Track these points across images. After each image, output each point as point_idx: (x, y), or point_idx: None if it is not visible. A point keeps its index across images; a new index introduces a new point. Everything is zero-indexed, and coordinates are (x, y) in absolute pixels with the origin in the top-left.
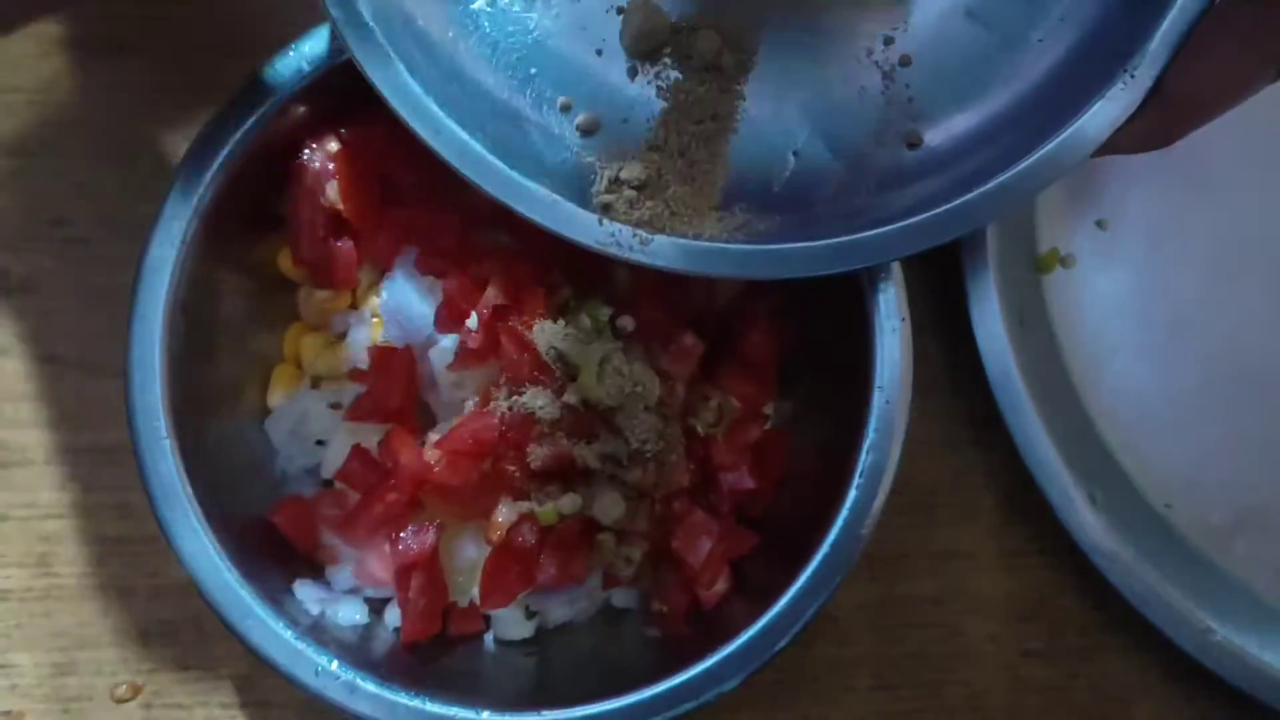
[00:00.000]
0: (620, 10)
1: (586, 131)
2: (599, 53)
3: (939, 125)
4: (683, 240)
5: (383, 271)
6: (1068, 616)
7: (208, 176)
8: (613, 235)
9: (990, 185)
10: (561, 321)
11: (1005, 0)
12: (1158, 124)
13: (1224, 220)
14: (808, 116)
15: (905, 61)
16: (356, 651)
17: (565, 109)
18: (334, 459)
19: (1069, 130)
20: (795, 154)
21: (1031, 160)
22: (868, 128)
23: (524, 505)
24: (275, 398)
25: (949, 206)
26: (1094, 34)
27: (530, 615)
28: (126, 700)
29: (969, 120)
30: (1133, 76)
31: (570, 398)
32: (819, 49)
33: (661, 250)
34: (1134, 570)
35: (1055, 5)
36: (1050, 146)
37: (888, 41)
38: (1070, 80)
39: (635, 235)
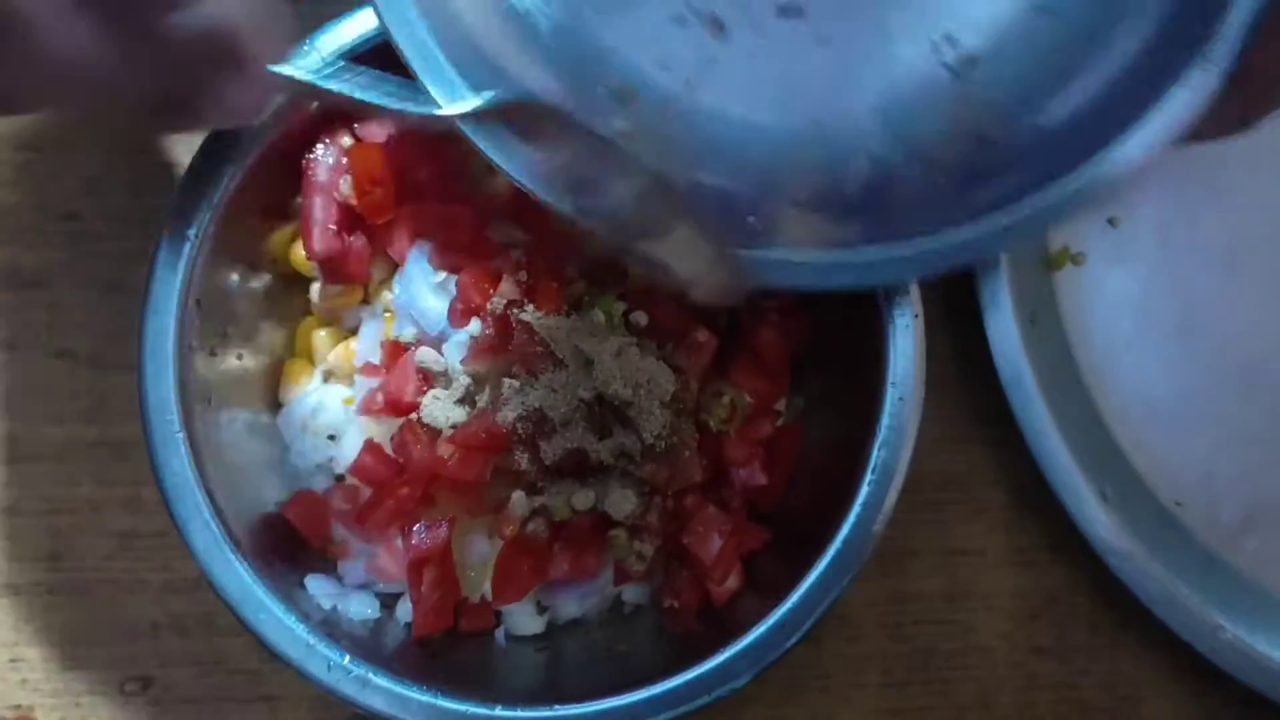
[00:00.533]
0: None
1: None
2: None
3: (1014, 121)
4: (760, 252)
5: (395, 266)
6: (1078, 614)
7: (221, 171)
8: None
9: (1074, 178)
10: (575, 316)
11: None
12: (1238, 106)
13: (1235, 218)
14: (878, 118)
15: (973, 59)
16: (368, 646)
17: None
18: (346, 454)
19: (1149, 120)
20: (869, 158)
21: (1115, 151)
22: (940, 126)
23: (536, 500)
24: (287, 392)
25: (1036, 202)
26: (1167, 19)
27: (541, 611)
28: (137, 695)
29: (1045, 115)
30: (1210, 60)
31: (583, 393)
32: (886, 47)
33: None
34: (1144, 568)
35: None
36: (1133, 138)
37: (951, 40)
38: (1147, 69)
39: None
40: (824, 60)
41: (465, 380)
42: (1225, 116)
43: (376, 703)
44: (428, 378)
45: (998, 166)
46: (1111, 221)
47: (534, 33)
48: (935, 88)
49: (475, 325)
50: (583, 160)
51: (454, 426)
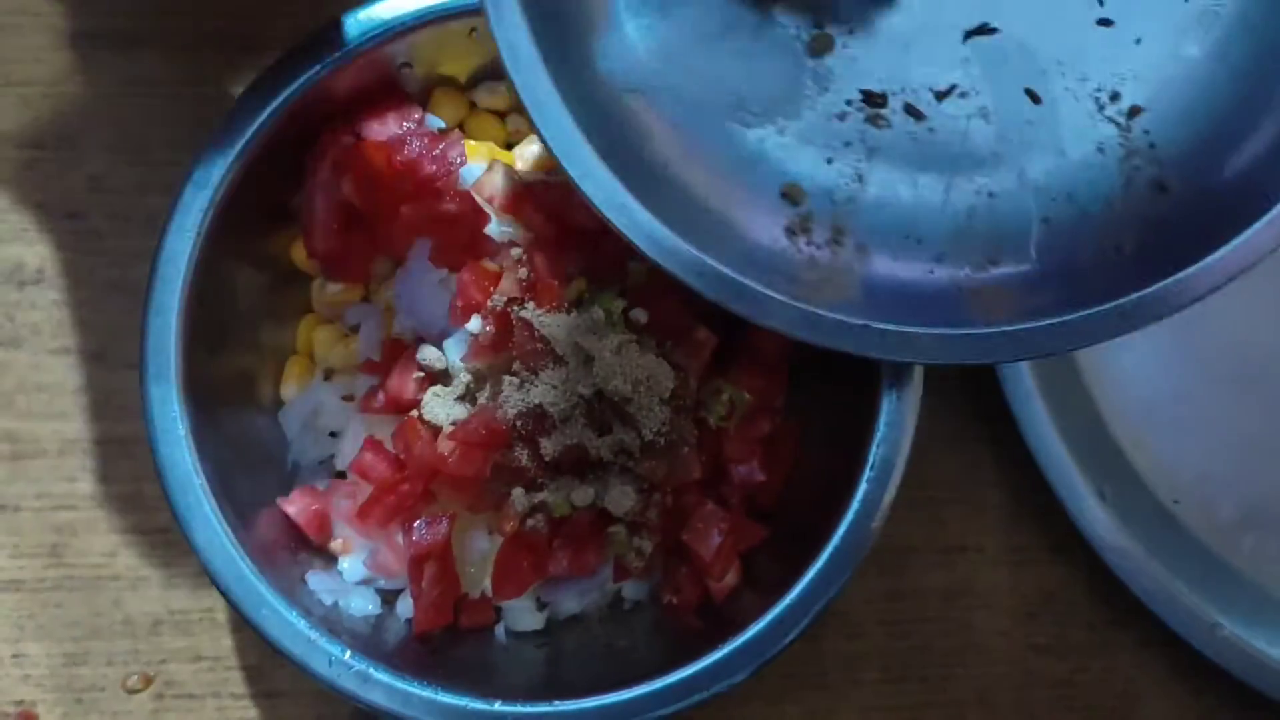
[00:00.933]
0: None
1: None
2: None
3: (1187, 167)
4: (950, 331)
5: (396, 264)
6: (1076, 611)
7: (223, 169)
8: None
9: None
10: (575, 313)
11: (1234, 35)
12: None
13: None
14: (1050, 179)
15: (1136, 111)
16: (369, 642)
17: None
18: (347, 450)
19: None
20: (1044, 220)
21: None
22: (1113, 180)
23: (536, 496)
24: (288, 390)
25: (1230, 243)
26: None
27: (541, 607)
28: (138, 691)
29: (1219, 158)
30: None
31: (583, 389)
32: (1048, 114)
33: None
34: (1142, 566)
35: None
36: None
37: (1114, 96)
38: None
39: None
40: (986, 134)
41: (465, 377)
42: None
43: (377, 698)
44: (428, 375)
45: (1176, 214)
46: None
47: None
48: (1102, 143)
49: (475, 323)
50: None
51: (454, 423)
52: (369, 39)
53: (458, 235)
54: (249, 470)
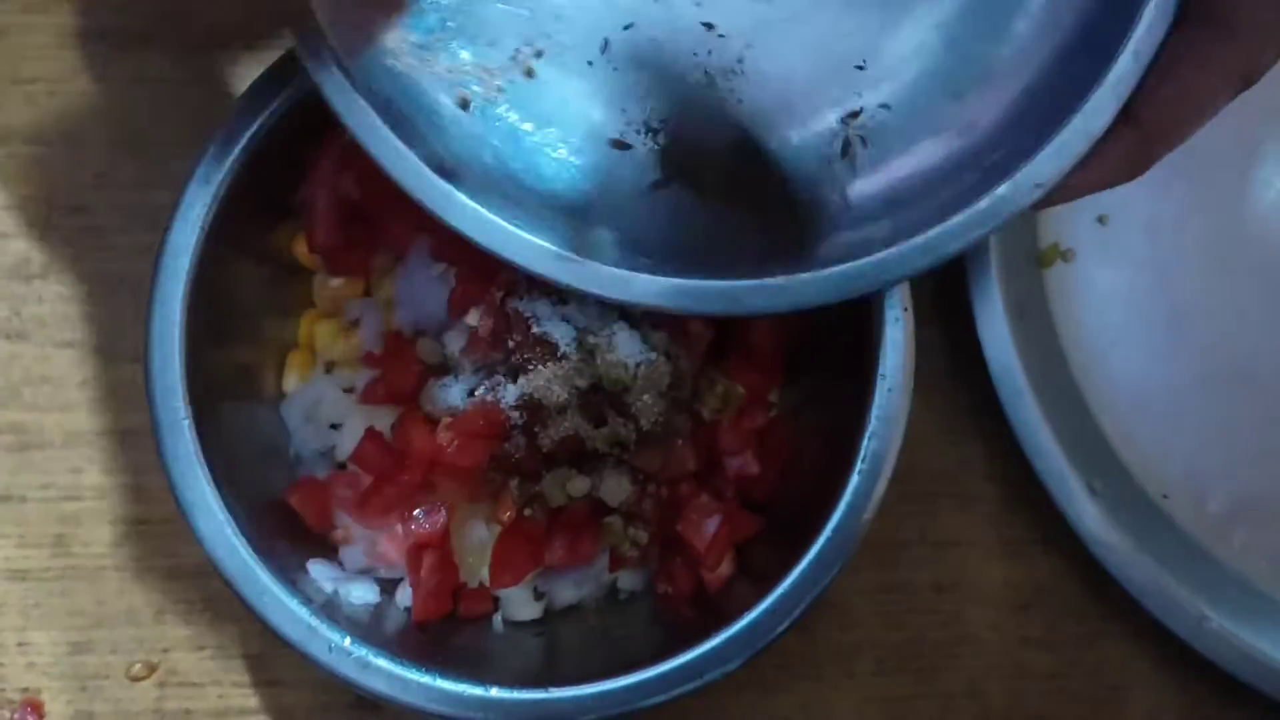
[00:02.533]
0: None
1: None
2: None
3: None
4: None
5: (396, 259)
6: (1066, 604)
7: (227, 165)
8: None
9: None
10: (572, 306)
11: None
12: (1131, 153)
13: (1222, 216)
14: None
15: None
16: (368, 630)
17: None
18: (348, 442)
19: (1040, 157)
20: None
21: (1003, 188)
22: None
23: (533, 487)
24: (290, 382)
25: (928, 238)
26: (1063, 52)
27: (538, 597)
28: (142, 679)
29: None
30: (1104, 98)
31: (579, 381)
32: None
33: (645, 288)
34: (1132, 559)
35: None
36: (1021, 174)
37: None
38: (1040, 105)
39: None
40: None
41: (464, 369)
42: (1123, 161)
43: (376, 684)
44: (428, 368)
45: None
46: (1101, 220)
47: None
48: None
49: (474, 316)
50: None
51: (453, 415)
52: None
53: None
54: (251, 461)
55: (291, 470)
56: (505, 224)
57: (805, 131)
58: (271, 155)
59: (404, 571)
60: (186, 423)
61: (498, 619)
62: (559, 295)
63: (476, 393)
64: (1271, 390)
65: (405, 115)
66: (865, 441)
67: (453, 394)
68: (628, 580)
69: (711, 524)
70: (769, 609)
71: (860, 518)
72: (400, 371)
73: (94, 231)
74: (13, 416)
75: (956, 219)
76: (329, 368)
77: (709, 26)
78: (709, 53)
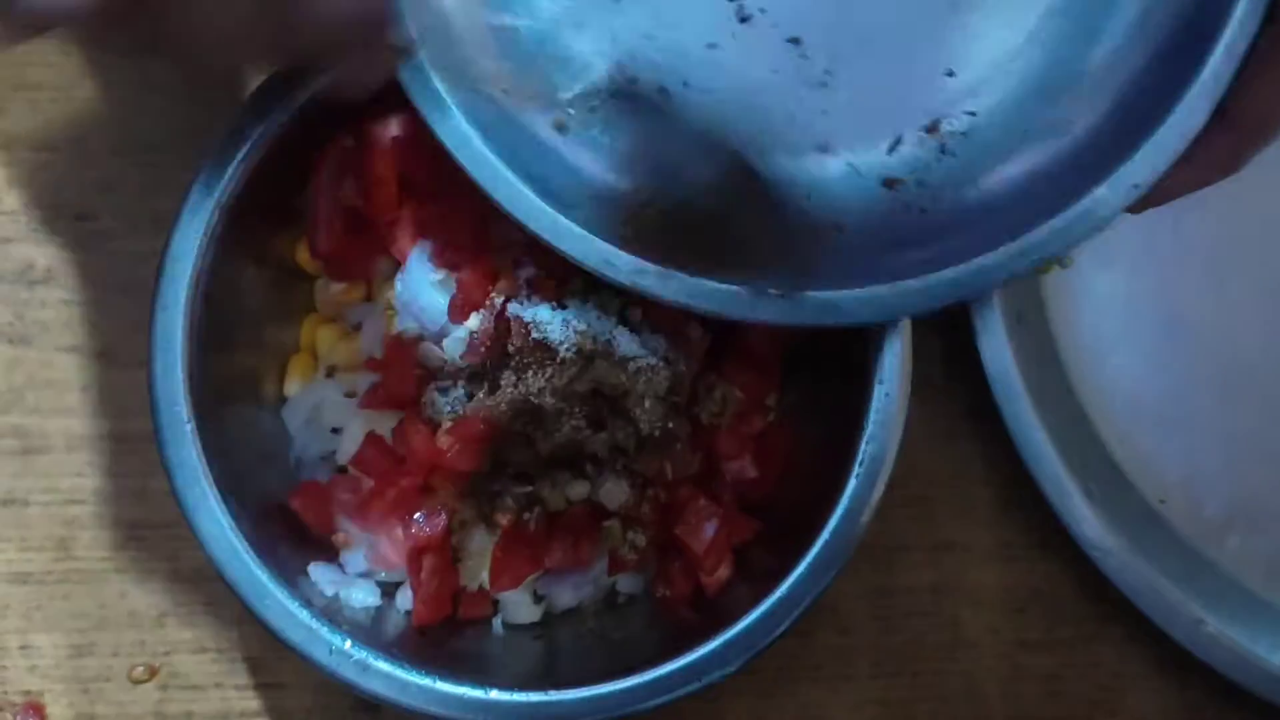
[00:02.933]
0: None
1: None
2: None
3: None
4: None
5: (398, 264)
6: (1063, 608)
7: (230, 172)
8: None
9: (1062, 217)
10: (572, 311)
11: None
12: (1224, 151)
13: (1220, 223)
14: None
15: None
16: (369, 633)
17: None
18: (349, 446)
19: (1136, 157)
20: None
21: (1101, 190)
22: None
23: (533, 490)
24: (292, 386)
25: (1022, 243)
26: (1155, 55)
27: (538, 600)
28: (143, 681)
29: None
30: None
31: (579, 386)
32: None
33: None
34: (1128, 563)
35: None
36: (1121, 173)
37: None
38: (1134, 107)
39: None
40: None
41: (465, 374)
42: (1216, 159)
43: (376, 686)
44: (428, 372)
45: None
46: None
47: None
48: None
49: (475, 321)
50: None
51: (453, 419)
52: None
53: (458, 237)
54: (253, 465)
55: (293, 474)
56: (607, 245)
57: (894, 140)
58: (274, 161)
59: (404, 574)
60: (189, 427)
61: (497, 622)
62: (558, 300)
63: (476, 397)
64: (1269, 395)
65: (505, 142)
66: (863, 445)
67: (453, 398)
68: (627, 583)
69: (710, 527)
70: (767, 612)
71: (858, 521)
72: (401, 376)
73: (98, 237)
74: (16, 421)
75: (1054, 222)
76: (330, 372)
77: (795, 42)
78: (795, 69)
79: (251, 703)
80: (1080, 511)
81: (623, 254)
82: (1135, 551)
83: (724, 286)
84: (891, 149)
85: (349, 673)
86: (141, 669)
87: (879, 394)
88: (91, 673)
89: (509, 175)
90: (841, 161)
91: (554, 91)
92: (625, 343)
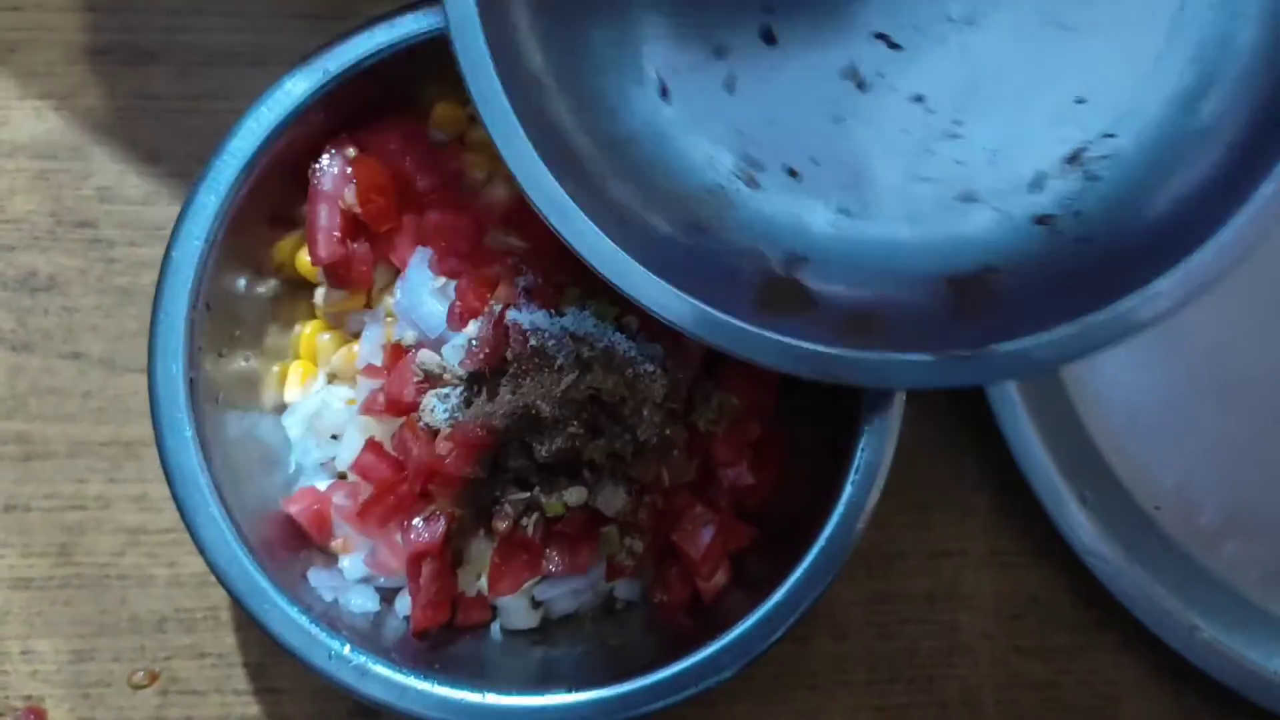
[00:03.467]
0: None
1: None
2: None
3: (1129, 214)
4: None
5: (397, 272)
6: (1059, 614)
7: (230, 180)
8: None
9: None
10: (570, 319)
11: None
12: None
13: None
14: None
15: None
16: (368, 638)
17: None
18: (348, 452)
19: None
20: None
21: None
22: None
23: (530, 497)
24: (292, 393)
25: (1147, 293)
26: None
27: (536, 606)
28: (144, 687)
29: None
30: None
31: (576, 393)
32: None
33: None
34: (1124, 570)
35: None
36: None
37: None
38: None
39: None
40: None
41: (463, 381)
42: None
43: (375, 691)
44: (427, 379)
45: (1110, 261)
46: None
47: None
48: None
49: (474, 328)
50: None
51: (452, 425)
52: (372, 56)
53: (457, 245)
54: (253, 471)
55: (292, 480)
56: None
57: (1037, 177)
58: (274, 170)
59: (403, 580)
60: (189, 433)
61: (495, 627)
62: (556, 307)
63: (475, 404)
64: (1263, 402)
65: (655, 256)
66: (858, 453)
67: (452, 405)
68: (624, 589)
69: (706, 534)
70: (763, 618)
71: (853, 528)
72: (400, 383)
73: (99, 245)
74: (18, 427)
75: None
76: (330, 379)
77: (919, 99)
78: (924, 125)
79: (251, 708)
80: (1076, 519)
81: (822, 346)
82: (1130, 558)
83: (915, 358)
84: (1036, 186)
85: (348, 677)
86: (142, 674)
87: (874, 402)
88: (92, 678)
89: (673, 289)
90: (988, 208)
91: (684, 191)
92: (623, 350)
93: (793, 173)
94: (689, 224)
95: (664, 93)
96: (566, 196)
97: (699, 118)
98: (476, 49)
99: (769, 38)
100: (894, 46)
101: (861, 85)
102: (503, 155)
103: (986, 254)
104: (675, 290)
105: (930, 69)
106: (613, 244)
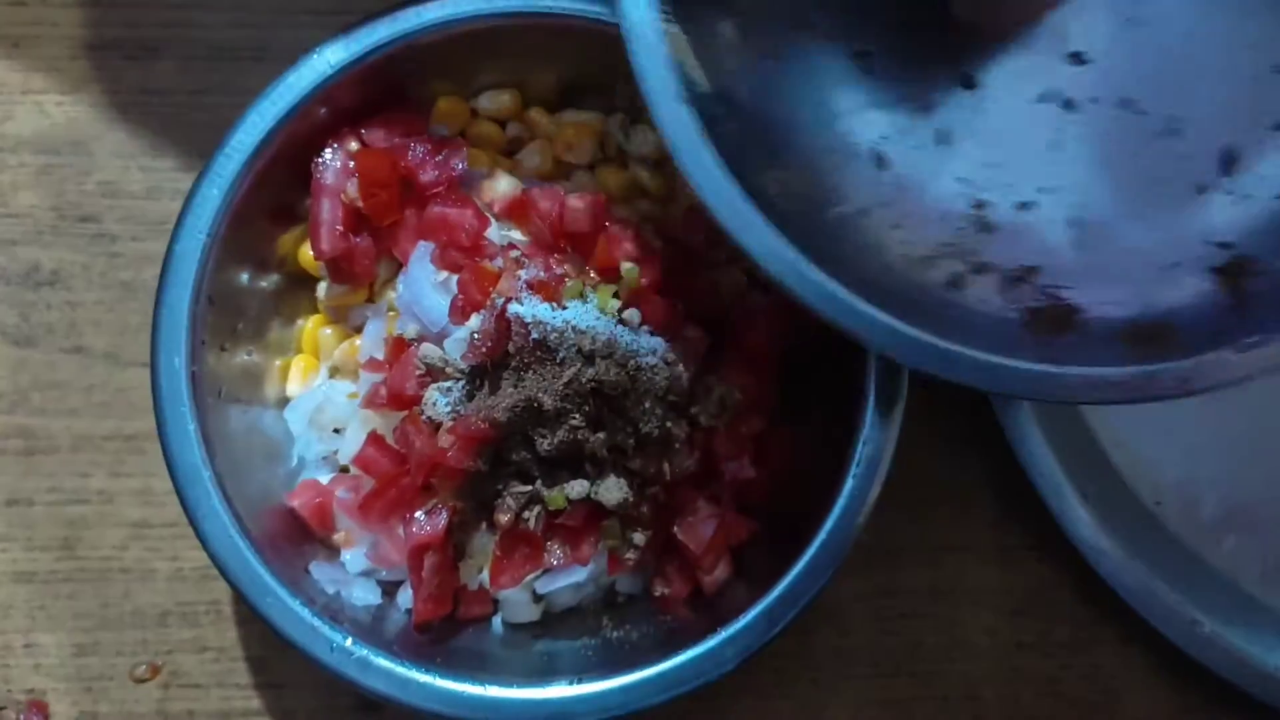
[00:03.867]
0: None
1: None
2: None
3: None
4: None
5: (399, 266)
6: (1060, 609)
7: (234, 175)
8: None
9: None
10: (571, 312)
11: None
12: None
13: None
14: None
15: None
16: (370, 631)
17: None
18: (350, 446)
19: None
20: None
21: None
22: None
23: (532, 490)
24: (294, 387)
25: None
26: None
27: (537, 599)
28: (146, 680)
29: None
30: None
31: (578, 386)
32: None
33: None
34: (1125, 565)
35: None
36: None
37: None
38: None
39: None
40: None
41: (465, 374)
42: None
43: (377, 684)
44: (429, 372)
45: None
46: None
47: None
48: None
49: (475, 322)
50: None
51: (454, 419)
52: (374, 50)
53: (459, 238)
54: (255, 465)
55: (295, 474)
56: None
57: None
58: (277, 164)
59: (405, 573)
60: (192, 427)
61: (497, 621)
62: (558, 301)
63: (477, 397)
64: (1263, 398)
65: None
66: (859, 447)
67: (454, 398)
68: (626, 583)
69: (708, 527)
70: (765, 611)
71: (854, 522)
72: (402, 376)
73: (102, 239)
74: (21, 421)
75: None
76: (332, 373)
77: (1127, 104)
78: (1139, 128)
79: (253, 702)
80: (1077, 514)
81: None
82: (1132, 553)
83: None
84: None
85: (350, 670)
86: (144, 668)
87: (875, 397)
88: (95, 671)
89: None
90: (1222, 194)
91: (930, 251)
92: (625, 343)
93: (1024, 206)
94: (936, 284)
95: (880, 161)
96: (843, 287)
97: (921, 179)
98: (707, 165)
99: (968, 83)
100: (1084, 62)
101: (1068, 105)
102: (789, 287)
103: (1239, 240)
104: (967, 350)
105: (1131, 71)
106: (902, 324)
